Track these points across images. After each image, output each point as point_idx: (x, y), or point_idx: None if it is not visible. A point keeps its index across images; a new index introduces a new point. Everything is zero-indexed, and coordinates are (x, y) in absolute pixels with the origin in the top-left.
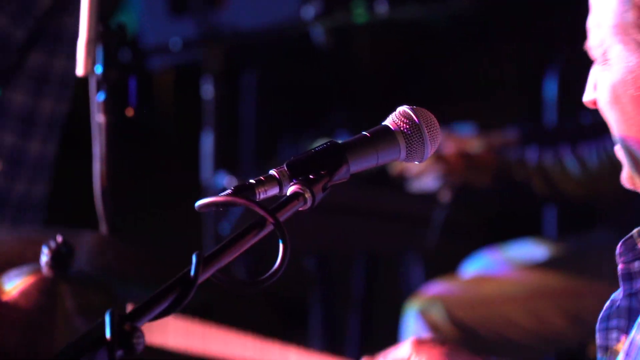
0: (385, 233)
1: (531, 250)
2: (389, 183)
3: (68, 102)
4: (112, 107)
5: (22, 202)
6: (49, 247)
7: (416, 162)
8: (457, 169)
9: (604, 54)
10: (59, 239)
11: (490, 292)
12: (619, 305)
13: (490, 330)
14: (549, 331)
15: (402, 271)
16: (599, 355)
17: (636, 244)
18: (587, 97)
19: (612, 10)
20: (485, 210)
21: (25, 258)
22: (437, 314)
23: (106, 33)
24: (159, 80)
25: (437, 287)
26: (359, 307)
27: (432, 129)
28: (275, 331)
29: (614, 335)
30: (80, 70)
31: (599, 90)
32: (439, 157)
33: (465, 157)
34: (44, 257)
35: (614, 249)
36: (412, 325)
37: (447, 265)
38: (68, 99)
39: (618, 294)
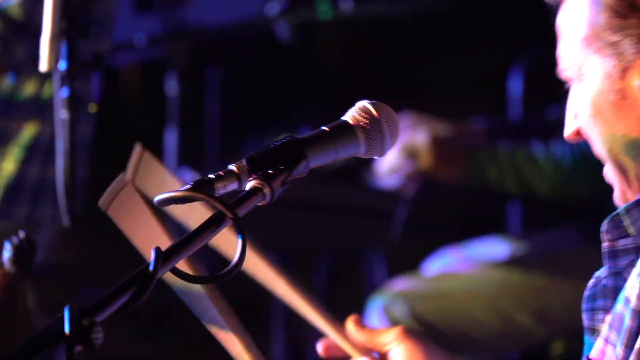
0: (348, 229)
1: (495, 247)
2: (352, 179)
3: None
4: (75, 103)
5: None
6: (12, 243)
7: (376, 157)
8: (428, 162)
9: (579, 70)
10: (22, 235)
11: (453, 289)
12: (604, 284)
13: (452, 327)
14: (512, 329)
15: (365, 268)
16: (586, 336)
17: (622, 222)
18: (569, 129)
19: (583, 22)
20: (448, 207)
21: None
22: (400, 311)
23: (70, 29)
24: (124, 77)
25: (400, 284)
26: (321, 304)
27: (391, 124)
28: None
29: (600, 316)
30: (44, 66)
31: (580, 112)
32: (411, 149)
33: (439, 146)
34: (6, 253)
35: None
36: (375, 321)
37: (410, 263)
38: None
39: (602, 272)
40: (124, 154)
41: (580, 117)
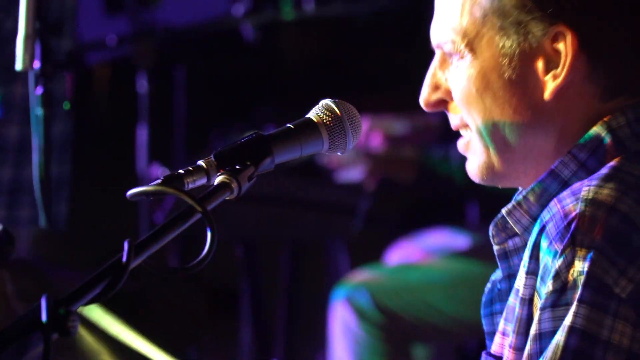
0: (311, 222)
1: (454, 239)
2: (315, 173)
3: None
4: (50, 101)
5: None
6: None
7: (339, 154)
8: (382, 166)
9: (468, 44)
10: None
11: (413, 280)
12: (499, 289)
13: (413, 315)
14: (470, 317)
15: (327, 259)
16: (487, 341)
17: (507, 223)
18: (431, 97)
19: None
20: (409, 199)
21: None
22: (363, 300)
23: (43, 29)
24: (95, 75)
25: (362, 274)
26: (287, 294)
27: (353, 121)
28: (207, 316)
29: (498, 320)
30: (19, 66)
31: (459, 84)
32: (365, 154)
33: (390, 156)
34: None
35: None
36: (339, 311)
37: (371, 254)
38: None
39: (497, 275)
40: (98, 150)
41: (461, 90)
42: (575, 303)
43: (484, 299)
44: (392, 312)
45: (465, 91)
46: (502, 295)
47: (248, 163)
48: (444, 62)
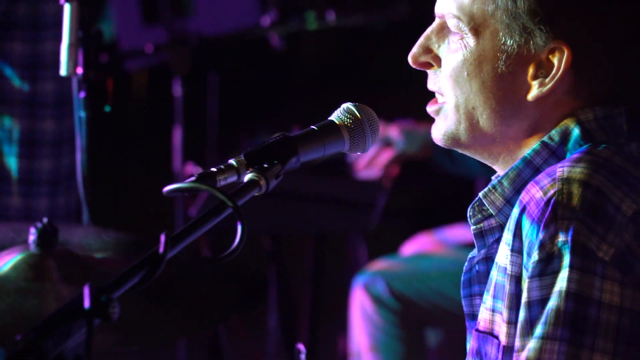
0: (333, 216)
1: (465, 232)
2: (336, 171)
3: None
4: (92, 104)
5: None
6: (36, 228)
7: (359, 153)
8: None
9: (473, 29)
10: (45, 220)
11: (426, 268)
12: (478, 270)
13: (427, 302)
14: None
15: (348, 251)
16: (467, 321)
17: (483, 205)
18: (420, 57)
19: None
20: (423, 195)
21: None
22: (380, 288)
23: (86, 38)
24: (133, 81)
25: (379, 264)
26: (311, 282)
27: (372, 123)
28: (238, 303)
29: (477, 301)
30: (64, 72)
31: (452, 62)
32: (385, 139)
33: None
34: (32, 236)
35: None
36: (358, 298)
37: (388, 246)
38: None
39: (474, 254)
40: (136, 150)
41: (453, 68)
42: (566, 269)
43: (462, 277)
44: (407, 298)
45: (456, 70)
46: (480, 277)
47: (275, 162)
48: (441, 31)
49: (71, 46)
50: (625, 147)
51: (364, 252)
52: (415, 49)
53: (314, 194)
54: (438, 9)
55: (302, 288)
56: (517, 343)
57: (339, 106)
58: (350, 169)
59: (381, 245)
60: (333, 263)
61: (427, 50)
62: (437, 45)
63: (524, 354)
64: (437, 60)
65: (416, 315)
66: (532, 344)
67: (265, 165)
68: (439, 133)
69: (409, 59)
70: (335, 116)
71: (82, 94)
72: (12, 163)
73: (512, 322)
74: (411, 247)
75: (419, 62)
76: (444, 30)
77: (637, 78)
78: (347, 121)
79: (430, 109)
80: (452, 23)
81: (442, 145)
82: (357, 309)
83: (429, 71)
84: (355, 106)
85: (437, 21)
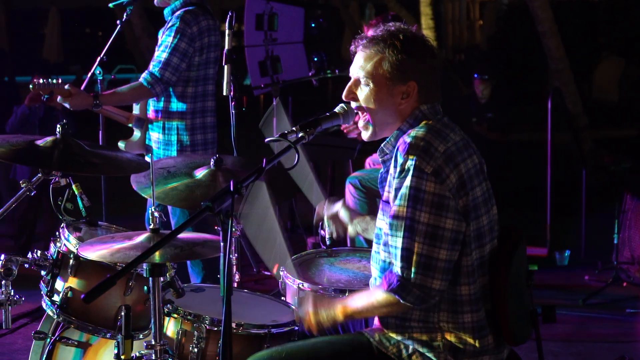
0: (338, 153)
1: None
2: (340, 134)
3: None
4: (237, 108)
5: None
6: (213, 158)
7: (346, 124)
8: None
9: (370, 79)
10: (216, 155)
11: (371, 173)
12: (383, 177)
13: (373, 186)
14: None
15: (345, 167)
16: (381, 196)
17: (384, 149)
18: (348, 95)
19: (377, 62)
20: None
21: None
22: (357, 182)
23: (234, 77)
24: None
25: (356, 173)
26: (330, 181)
27: (351, 113)
28: (297, 188)
29: (383, 191)
30: (225, 92)
31: (363, 96)
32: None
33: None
34: (212, 160)
35: None
36: (349, 188)
37: (360, 165)
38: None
39: (381, 170)
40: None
41: (364, 99)
42: (409, 176)
43: (379, 179)
44: (367, 185)
45: (368, 100)
46: (383, 181)
47: (311, 128)
48: (357, 83)
49: (227, 82)
50: (442, 119)
51: (350, 168)
52: (345, 92)
53: (331, 142)
54: (352, 74)
55: (327, 183)
56: (392, 204)
57: (337, 105)
58: (344, 133)
59: (357, 165)
60: (339, 173)
61: (351, 91)
62: (355, 89)
63: (393, 209)
64: (355, 96)
65: (370, 192)
66: (395, 206)
67: (308, 129)
68: (367, 137)
69: (343, 96)
70: (336, 108)
71: (232, 103)
72: (184, 138)
73: (393, 195)
74: (368, 163)
75: (348, 98)
76: (357, 83)
77: (437, 92)
78: (340, 110)
79: (360, 125)
80: (359, 79)
81: (369, 141)
82: (348, 191)
83: (353, 101)
84: (344, 104)
85: (352, 79)
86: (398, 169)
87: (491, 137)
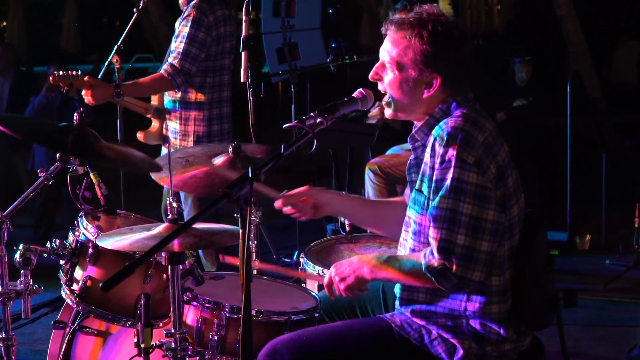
0: (358, 139)
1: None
2: (359, 120)
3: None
4: (255, 93)
5: None
6: (232, 145)
7: (364, 110)
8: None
9: (397, 66)
10: (235, 142)
11: (394, 159)
12: (413, 164)
13: (395, 171)
14: None
15: (364, 154)
16: (409, 185)
17: (415, 136)
18: (374, 76)
19: (409, 50)
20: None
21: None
22: (376, 167)
23: (252, 64)
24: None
25: (375, 159)
26: (348, 166)
27: (369, 97)
28: (318, 175)
29: (414, 178)
30: (242, 79)
31: (389, 80)
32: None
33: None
34: (230, 147)
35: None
36: (368, 175)
37: (381, 152)
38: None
39: (411, 157)
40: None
41: (390, 84)
42: (452, 167)
43: (408, 164)
44: (386, 171)
45: (391, 85)
46: (412, 167)
47: (329, 114)
48: (383, 66)
49: (245, 69)
50: (475, 107)
51: (369, 154)
52: (372, 72)
53: (349, 129)
54: (381, 57)
55: (345, 169)
56: (431, 196)
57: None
58: (363, 119)
59: (377, 152)
60: (358, 160)
61: (377, 73)
62: (382, 72)
63: (434, 202)
64: (382, 78)
65: (390, 178)
66: (437, 198)
67: (326, 115)
68: (388, 114)
69: (370, 76)
70: (354, 93)
71: (250, 90)
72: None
73: (429, 186)
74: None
75: (374, 79)
76: (384, 66)
77: (465, 84)
78: (359, 95)
79: (383, 101)
80: (386, 63)
81: (388, 118)
82: (368, 176)
83: (379, 82)
84: (364, 89)
85: (380, 60)
86: (438, 159)
87: (531, 121)
